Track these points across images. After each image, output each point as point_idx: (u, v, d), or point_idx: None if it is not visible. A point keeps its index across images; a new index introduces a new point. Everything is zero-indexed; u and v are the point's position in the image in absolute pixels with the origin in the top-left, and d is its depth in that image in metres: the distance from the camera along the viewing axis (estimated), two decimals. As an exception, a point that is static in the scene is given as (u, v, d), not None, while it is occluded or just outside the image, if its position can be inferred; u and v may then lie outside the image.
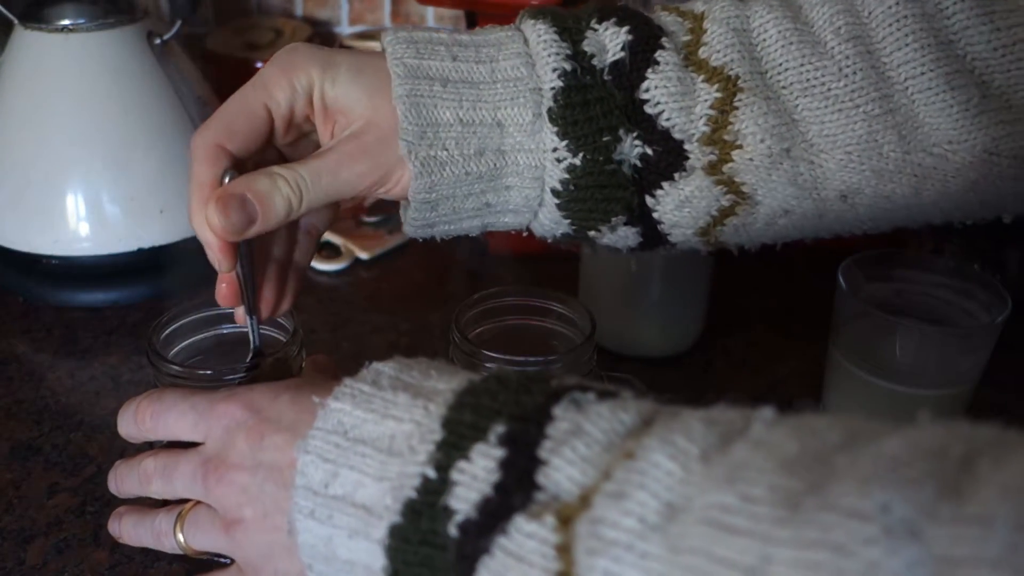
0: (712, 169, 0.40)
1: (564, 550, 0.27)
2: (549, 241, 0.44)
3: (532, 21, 0.40)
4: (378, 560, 0.32)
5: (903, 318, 0.52)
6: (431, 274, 0.77)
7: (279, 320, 0.48)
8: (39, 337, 0.69)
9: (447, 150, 0.39)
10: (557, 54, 0.39)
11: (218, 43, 0.90)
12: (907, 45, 0.38)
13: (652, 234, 0.42)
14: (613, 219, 0.41)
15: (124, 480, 0.43)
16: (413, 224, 0.42)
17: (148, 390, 0.43)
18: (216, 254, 0.39)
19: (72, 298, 0.71)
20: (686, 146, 0.40)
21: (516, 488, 0.29)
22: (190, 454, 0.39)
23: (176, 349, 0.48)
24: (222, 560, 0.42)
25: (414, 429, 0.33)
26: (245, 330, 0.46)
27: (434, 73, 0.38)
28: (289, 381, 0.40)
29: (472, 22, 0.80)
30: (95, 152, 0.69)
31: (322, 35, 0.99)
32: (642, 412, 0.31)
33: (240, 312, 0.43)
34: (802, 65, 0.38)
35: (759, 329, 0.71)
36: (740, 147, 0.39)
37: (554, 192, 0.40)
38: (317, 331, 0.69)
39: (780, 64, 0.39)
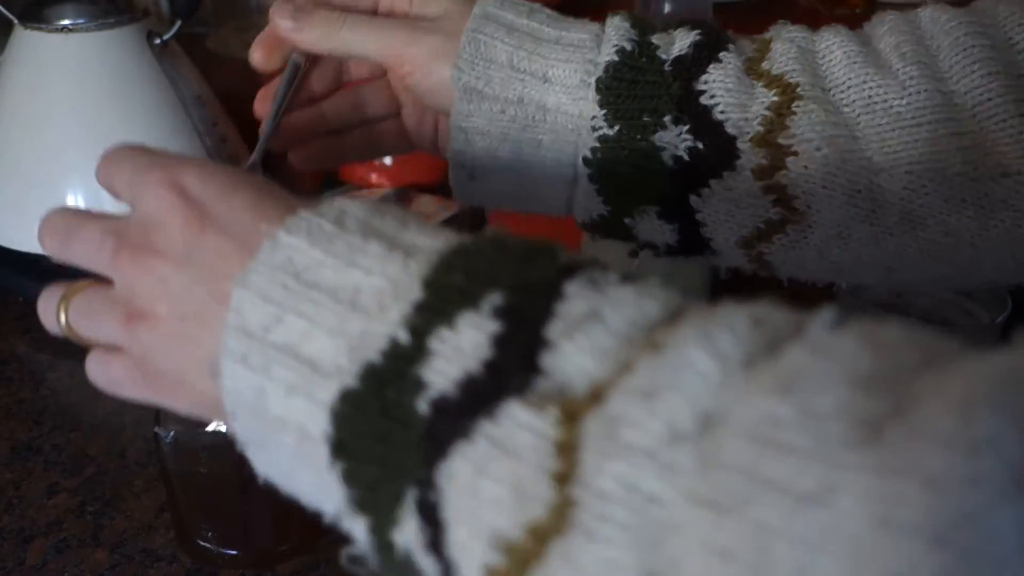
0: (763, 174, 0.39)
1: (567, 449, 0.23)
2: (587, 229, 0.45)
3: (615, 16, 0.42)
4: (319, 424, 0.28)
5: (903, 318, 0.52)
6: (431, 274, 0.77)
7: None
8: (39, 337, 0.69)
9: (491, 87, 0.41)
10: (623, 36, 0.41)
11: (218, 43, 0.90)
12: (973, 72, 0.37)
13: (693, 235, 0.42)
14: (645, 206, 0.42)
15: (43, 231, 0.36)
16: (454, 161, 0.44)
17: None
18: (259, 42, 0.45)
19: (72, 298, 0.71)
20: (738, 144, 0.39)
21: (512, 369, 0.25)
22: (103, 217, 0.34)
23: None
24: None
25: (387, 285, 0.28)
26: None
27: (505, 21, 0.42)
28: (251, 178, 0.33)
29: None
30: (95, 152, 0.68)
31: (322, 35, 0.99)
32: (670, 305, 0.26)
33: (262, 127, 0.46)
34: (864, 82, 0.38)
35: (759, 329, 0.71)
36: (795, 154, 0.39)
37: (585, 161, 0.41)
38: (317, 331, 0.69)
39: (843, 82, 0.39)
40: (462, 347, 0.26)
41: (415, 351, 0.26)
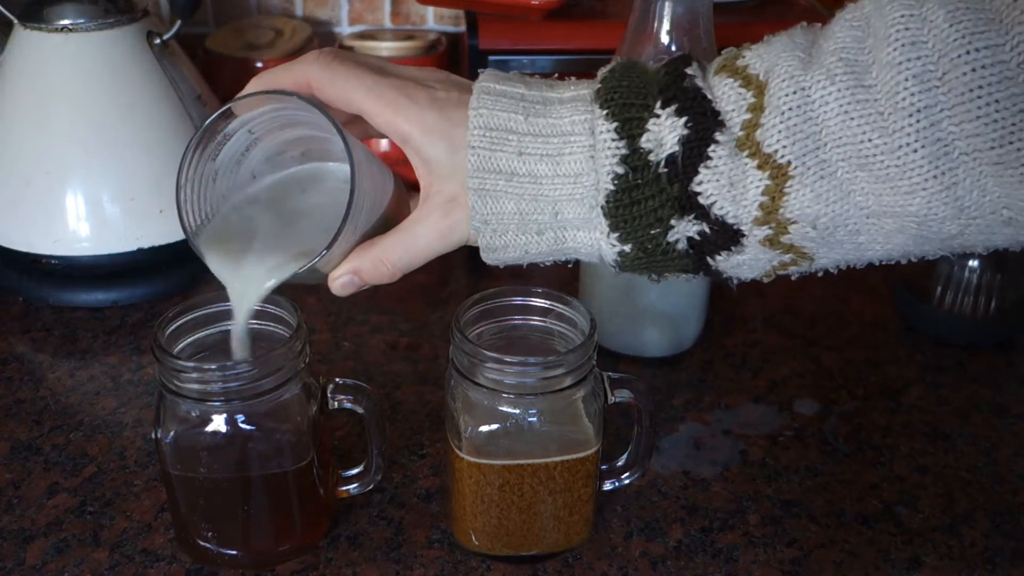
0: (770, 242, 0.41)
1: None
2: None
3: (601, 110, 0.42)
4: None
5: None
6: (431, 274, 0.77)
7: (282, 316, 0.48)
8: (39, 337, 0.69)
9: (509, 233, 0.43)
10: (614, 156, 0.41)
11: (218, 43, 0.90)
12: (978, 118, 0.36)
13: (714, 276, 0.45)
14: (672, 275, 0.45)
15: None
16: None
17: (151, 388, 0.43)
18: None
19: (72, 298, 0.71)
20: (741, 227, 0.41)
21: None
22: None
23: (181, 345, 0.48)
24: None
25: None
26: (248, 327, 0.47)
27: (502, 167, 0.42)
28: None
29: (472, 22, 0.81)
30: (95, 152, 0.69)
31: (322, 35, 0.99)
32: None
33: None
34: (861, 142, 0.38)
35: (759, 329, 0.71)
36: (796, 222, 0.40)
37: (612, 263, 0.43)
38: (317, 331, 0.69)
39: (839, 138, 0.39)
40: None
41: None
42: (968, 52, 0.36)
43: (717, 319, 0.72)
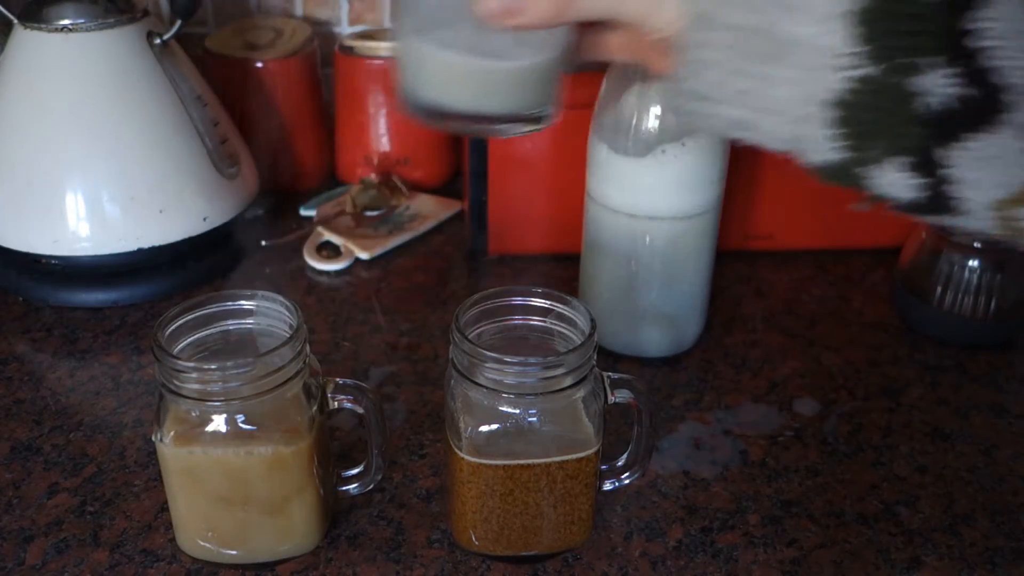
0: None
1: None
2: (817, 177, 0.39)
3: None
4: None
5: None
6: (431, 274, 0.77)
7: (283, 316, 0.48)
8: (39, 337, 0.69)
9: (725, 14, 0.37)
10: None
11: (218, 43, 0.90)
12: None
13: (936, 192, 0.36)
14: (885, 157, 0.36)
15: None
16: (669, 100, 0.41)
17: (151, 388, 0.43)
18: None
19: (72, 298, 0.72)
20: (1007, 97, 0.33)
21: None
22: None
23: (182, 345, 0.48)
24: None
25: None
26: (248, 327, 0.48)
27: None
28: None
29: (472, 22, 0.80)
30: (95, 152, 0.69)
31: (322, 35, 0.99)
32: None
33: None
34: None
35: (759, 329, 0.71)
36: None
37: (827, 104, 0.36)
38: (317, 331, 0.69)
39: None
40: None
41: None
42: None
43: (717, 319, 0.72)
